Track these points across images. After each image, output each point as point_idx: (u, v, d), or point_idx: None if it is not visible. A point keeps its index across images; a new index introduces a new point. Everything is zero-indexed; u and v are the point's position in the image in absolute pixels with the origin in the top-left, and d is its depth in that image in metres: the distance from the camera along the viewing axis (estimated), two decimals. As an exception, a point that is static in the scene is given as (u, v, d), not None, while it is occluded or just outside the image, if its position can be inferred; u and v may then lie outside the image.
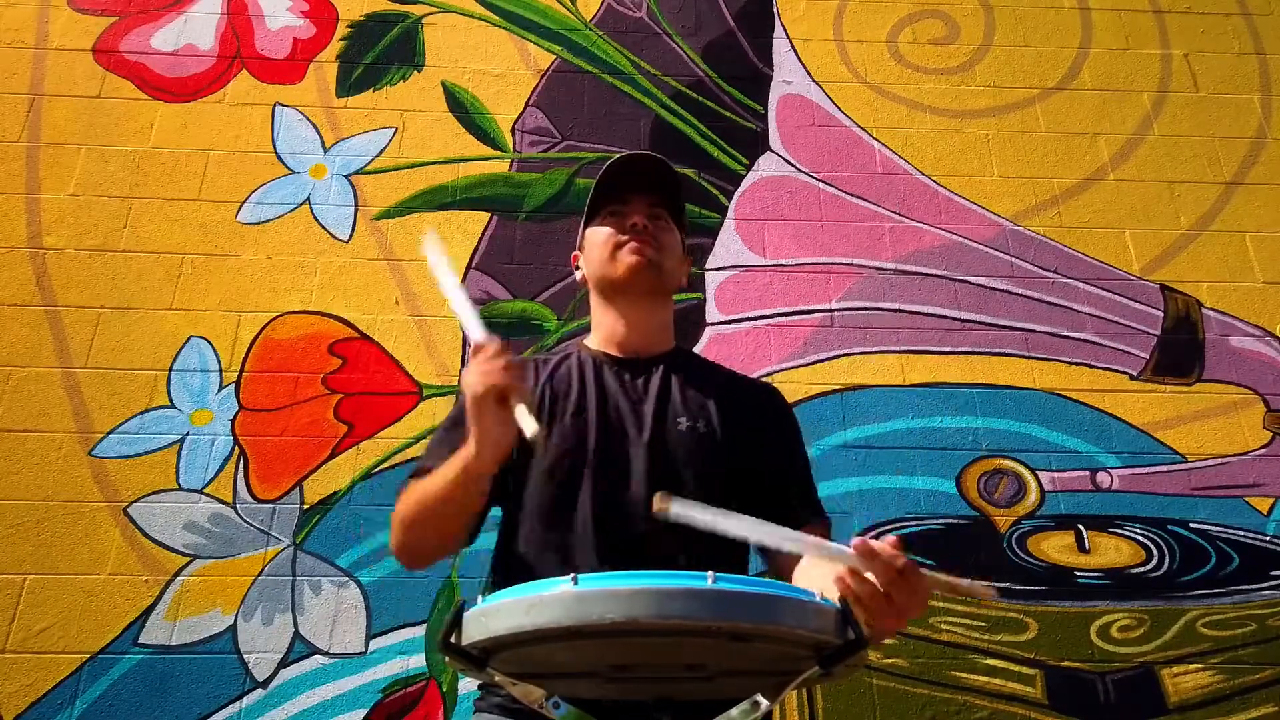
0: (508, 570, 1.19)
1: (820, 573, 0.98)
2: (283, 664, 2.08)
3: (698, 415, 1.24)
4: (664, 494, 0.83)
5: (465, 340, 2.47)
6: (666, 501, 0.83)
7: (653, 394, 1.25)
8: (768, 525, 0.85)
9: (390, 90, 2.84)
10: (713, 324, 2.56)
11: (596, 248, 1.35)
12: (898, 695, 2.12)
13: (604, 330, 1.36)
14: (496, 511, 1.27)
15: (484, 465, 1.04)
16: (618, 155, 1.36)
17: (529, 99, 2.86)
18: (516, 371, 1.03)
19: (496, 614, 0.75)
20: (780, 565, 1.17)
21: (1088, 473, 2.40)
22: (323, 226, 2.61)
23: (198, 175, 2.65)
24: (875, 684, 2.12)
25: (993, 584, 0.92)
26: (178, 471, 2.25)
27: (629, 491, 1.16)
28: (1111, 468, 2.41)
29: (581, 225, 1.42)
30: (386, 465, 2.30)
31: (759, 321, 2.57)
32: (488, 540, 1.26)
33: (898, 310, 2.61)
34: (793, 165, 2.82)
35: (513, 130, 2.81)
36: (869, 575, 0.85)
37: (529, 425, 0.98)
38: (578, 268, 1.43)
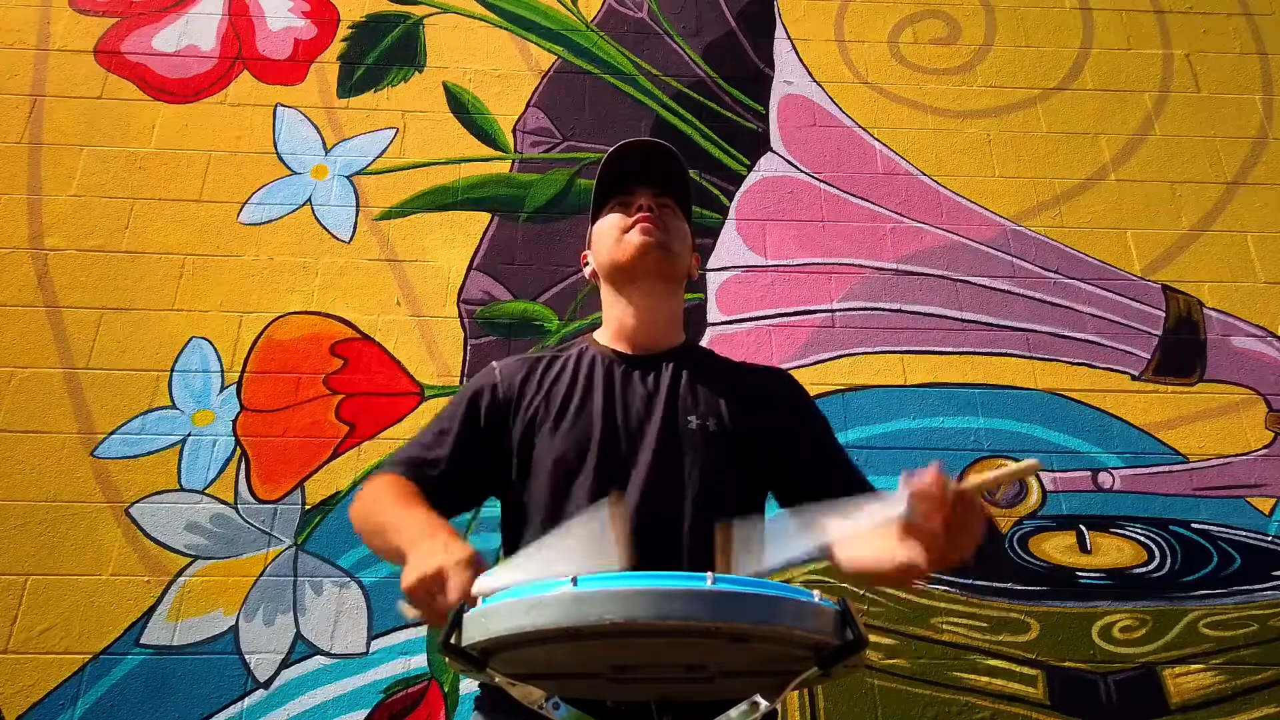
0: None
1: (875, 544, 0.98)
2: (284, 664, 2.08)
3: (708, 413, 1.22)
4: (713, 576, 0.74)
5: (467, 344, 2.47)
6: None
7: (663, 391, 1.23)
8: (811, 521, 0.88)
9: (391, 91, 2.84)
10: (714, 324, 2.56)
11: (604, 236, 1.33)
12: (899, 696, 2.12)
13: (613, 325, 1.33)
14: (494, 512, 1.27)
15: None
16: (620, 142, 1.34)
17: (530, 99, 2.86)
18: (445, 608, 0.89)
19: (496, 615, 0.75)
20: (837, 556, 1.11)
21: (1089, 473, 2.40)
22: (324, 227, 2.61)
23: (199, 176, 2.65)
24: (877, 684, 2.12)
25: (1032, 461, 0.93)
26: (179, 472, 2.26)
27: (634, 490, 1.14)
28: (1113, 468, 2.41)
29: (590, 223, 1.40)
30: (388, 466, 2.30)
31: (760, 322, 2.56)
32: (490, 539, 1.26)
33: (899, 310, 2.60)
34: (794, 165, 2.82)
35: (514, 131, 2.81)
36: (925, 520, 0.87)
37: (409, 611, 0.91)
38: (586, 264, 1.41)
